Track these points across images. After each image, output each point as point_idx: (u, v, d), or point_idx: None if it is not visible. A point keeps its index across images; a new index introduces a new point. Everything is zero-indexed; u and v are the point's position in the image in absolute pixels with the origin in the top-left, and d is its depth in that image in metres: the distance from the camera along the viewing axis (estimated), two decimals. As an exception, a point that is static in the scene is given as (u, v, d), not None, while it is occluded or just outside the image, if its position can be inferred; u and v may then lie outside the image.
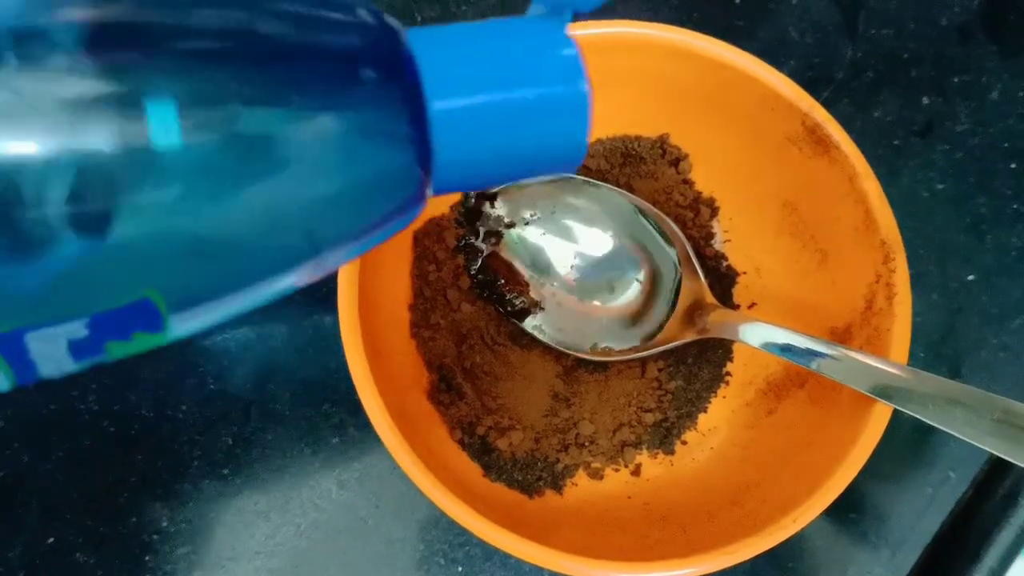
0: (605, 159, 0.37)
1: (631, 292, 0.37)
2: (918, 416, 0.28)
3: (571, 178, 0.36)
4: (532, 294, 0.37)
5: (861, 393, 0.30)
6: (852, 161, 0.32)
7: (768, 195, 0.36)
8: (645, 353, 0.35)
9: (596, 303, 0.37)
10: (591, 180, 0.36)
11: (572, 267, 0.37)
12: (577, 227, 0.36)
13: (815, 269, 0.35)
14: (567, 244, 0.36)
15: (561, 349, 0.36)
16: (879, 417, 0.30)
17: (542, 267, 0.36)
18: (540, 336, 0.36)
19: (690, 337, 0.34)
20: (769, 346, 0.31)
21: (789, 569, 0.37)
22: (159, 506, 0.36)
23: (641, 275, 0.36)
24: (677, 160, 0.37)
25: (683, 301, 0.35)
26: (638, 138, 0.37)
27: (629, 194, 0.36)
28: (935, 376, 0.28)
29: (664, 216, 0.36)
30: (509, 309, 0.36)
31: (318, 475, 0.37)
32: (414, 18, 0.41)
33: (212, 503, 0.36)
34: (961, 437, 0.27)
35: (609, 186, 0.36)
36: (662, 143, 0.37)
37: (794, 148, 0.34)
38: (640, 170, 0.37)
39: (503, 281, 0.36)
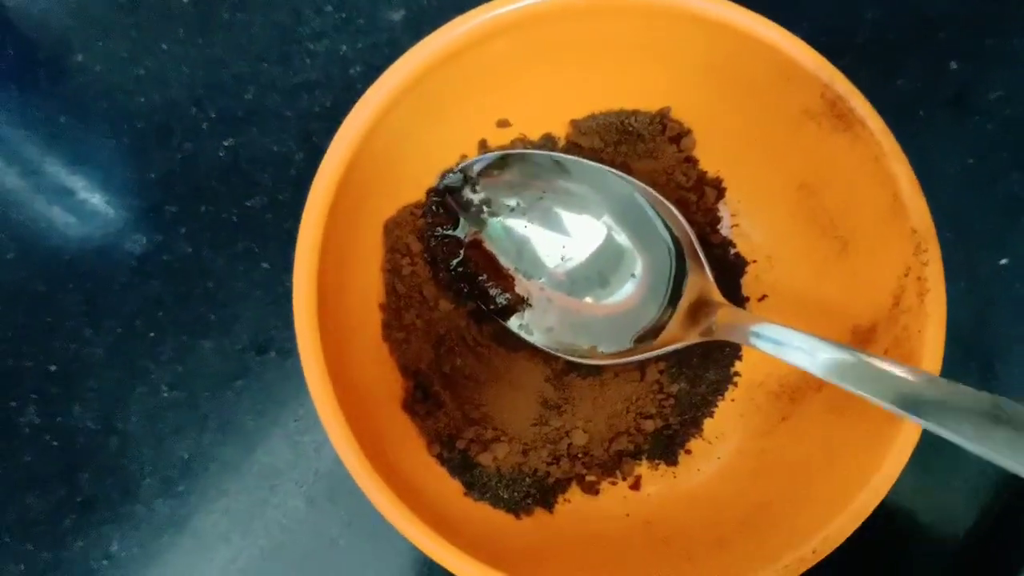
0: (599, 136, 0.33)
1: (627, 288, 0.33)
2: (957, 440, 0.24)
3: (562, 157, 0.32)
4: (518, 289, 0.33)
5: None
6: (879, 139, 0.28)
7: (782, 176, 0.32)
8: (643, 356, 0.32)
9: (588, 300, 0.33)
10: (584, 160, 0.32)
11: (562, 259, 0.33)
12: (567, 215, 0.32)
13: (835, 259, 0.31)
14: (556, 235, 0.32)
15: (550, 351, 0.32)
16: (911, 429, 0.26)
17: (528, 260, 0.33)
18: (527, 337, 0.33)
19: (693, 340, 0.30)
20: (785, 351, 0.27)
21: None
22: (108, 529, 0.33)
23: (638, 268, 0.33)
24: (679, 136, 0.33)
25: (687, 298, 0.31)
26: (635, 113, 0.33)
27: (626, 176, 0.32)
28: (978, 391, 0.24)
29: (665, 201, 0.32)
30: (492, 307, 0.33)
31: (284, 492, 0.33)
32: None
33: (166, 525, 0.33)
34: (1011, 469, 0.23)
35: (604, 167, 0.32)
36: (662, 118, 0.33)
37: (812, 123, 0.30)
38: (638, 148, 0.33)
39: (485, 276, 0.33)
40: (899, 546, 0.34)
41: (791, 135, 0.31)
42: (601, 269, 0.33)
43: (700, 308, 0.31)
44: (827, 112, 0.29)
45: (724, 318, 0.30)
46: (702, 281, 0.31)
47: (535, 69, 0.31)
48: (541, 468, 0.32)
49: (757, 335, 0.28)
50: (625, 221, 0.32)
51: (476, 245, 0.33)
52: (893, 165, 0.28)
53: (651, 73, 0.32)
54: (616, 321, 0.33)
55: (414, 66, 0.27)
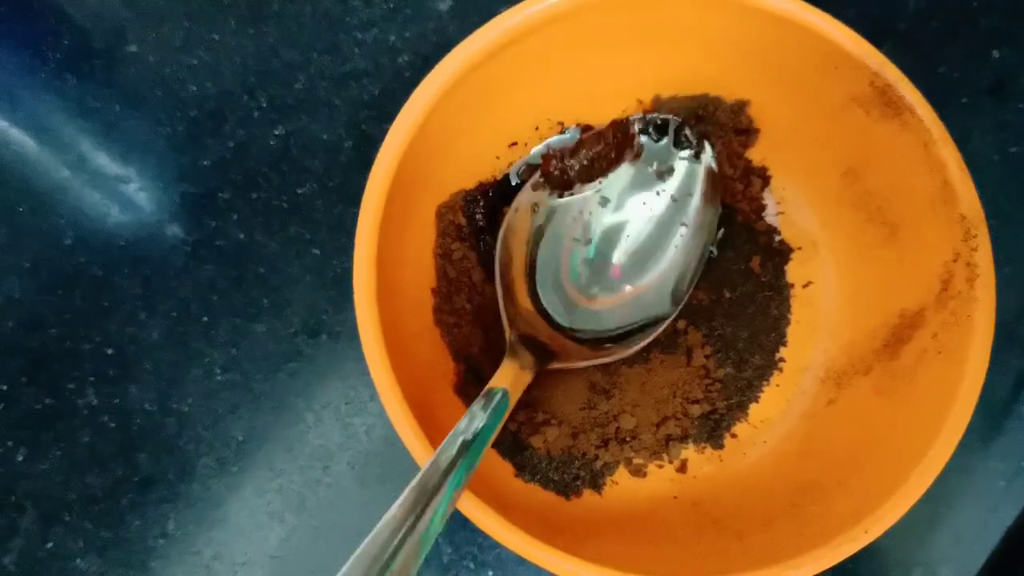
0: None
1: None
2: None
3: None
4: None
5: (938, 384, 0.27)
6: (928, 126, 0.28)
7: (827, 163, 0.32)
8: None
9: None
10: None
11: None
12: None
13: (881, 245, 0.31)
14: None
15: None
16: (962, 411, 0.27)
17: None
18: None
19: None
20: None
21: (848, 571, 0.34)
22: (165, 508, 0.33)
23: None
24: (747, 131, 0.34)
25: None
26: (717, 99, 0.33)
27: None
28: None
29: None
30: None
31: (337, 472, 0.34)
32: None
33: (222, 504, 0.33)
34: None
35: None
36: (740, 109, 0.33)
37: (860, 110, 0.30)
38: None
39: None
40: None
41: (838, 122, 0.31)
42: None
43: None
44: (875, 99, 0.29)
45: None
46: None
47: (584, 56, 0.31)
48: (590, 451, 0.32)
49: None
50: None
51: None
52: (942, 151, 0.28)
53: (697, 60, 0.32)
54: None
55: (467, 56, 0.28)
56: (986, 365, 0.27)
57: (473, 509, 0.25)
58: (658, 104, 0.33)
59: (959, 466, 0.35)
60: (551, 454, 0.31)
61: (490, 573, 0.33)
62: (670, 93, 0.33)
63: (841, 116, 0.31)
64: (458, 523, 0.33)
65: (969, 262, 0.28)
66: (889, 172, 0.30)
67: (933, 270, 0.29)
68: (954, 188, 0.28)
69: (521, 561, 0.33)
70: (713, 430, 0.33)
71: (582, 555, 0.25)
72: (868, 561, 0.34)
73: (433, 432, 0.26)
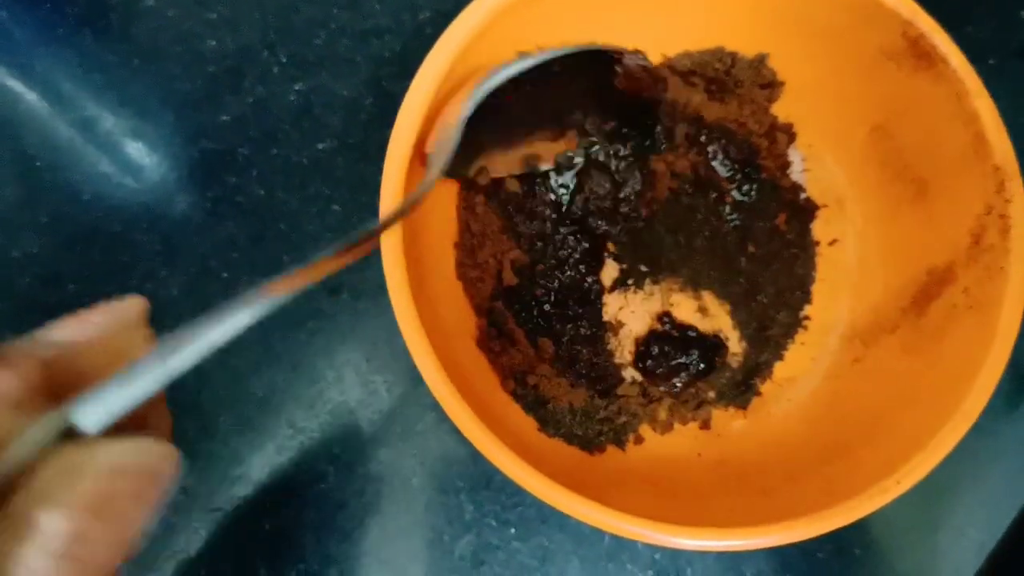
0: (682, 79, 0.33)
1: None
2: None
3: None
4: None
5: (970, 337, 0.27)
6: (961, 76, 0.28)
7: (855, 119, 0.32)
8: None
9: None
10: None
11: None
12: None
13: (909, 201, 0.31)
14: None
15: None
16: (997, 357, 0.26)
17: None
18: None
19: None
20: None
21: (873, 534, 0.33)
22: (185, 464, 0.33)
23: None
24: (771, 85, 0.33)
25: None
26: (734, 55, 0.33)
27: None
28: None
29: None
30: None
31: (358, 430, 0.33)
32: None
33: (243, 461, 0.33)
34: None
35: None
36: (759, 64, 0.33)
37: (890, 64, 0.30)
38: (724, 93, 0.33)
39: None
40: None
41: (867, 77, 0.31)
42: None
43: None
44: (908, 51, 0.29)
45: None
46: None
47: (603, 10, 0.31)
48: (612, 407, 0.32)
49: None
50: None
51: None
52: (977, 102, 0.28)
53: (717, 12, 0.32)
54: None
55: (485, 12, 0.27)
56: (1020, 316, 0.27)
57: (499, 456, 0.25)
58: (670, 63, 0.33)
59: (985, 430, 0.35)
60: (574, 408, 0.31)
61: (512, 531, 0.33)
62: (683, 49, 0.33)
63: (871, 70, 0.30)
64: (480, 482, 0.33)
65: (1003, 214, 0.27)
66: (919, 127, 0.30)
67: (963, 225, 0.29)
68: (988, 139, 0.28)
69: (543, 519, 0.33)
70: (738, 388, 0.33)
71: (606, 502, 0.25)
72: (894, 524, 0.34)
73: (460, 383, 0.26)
